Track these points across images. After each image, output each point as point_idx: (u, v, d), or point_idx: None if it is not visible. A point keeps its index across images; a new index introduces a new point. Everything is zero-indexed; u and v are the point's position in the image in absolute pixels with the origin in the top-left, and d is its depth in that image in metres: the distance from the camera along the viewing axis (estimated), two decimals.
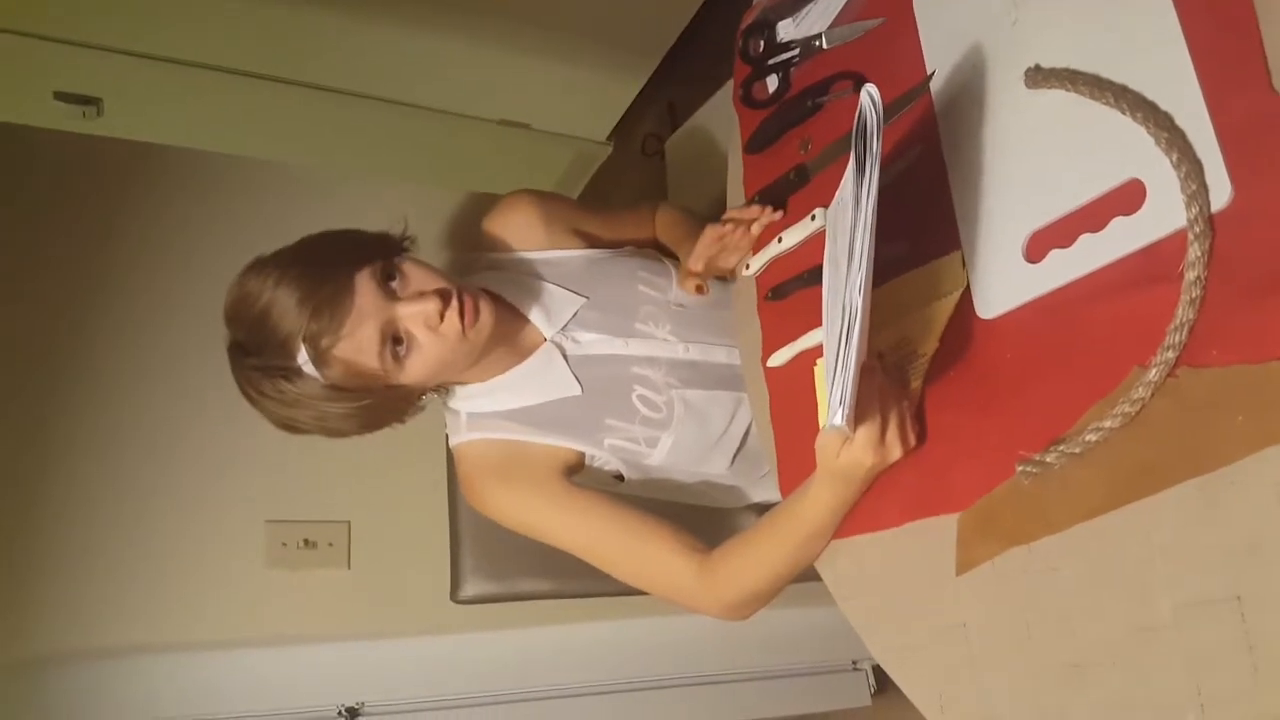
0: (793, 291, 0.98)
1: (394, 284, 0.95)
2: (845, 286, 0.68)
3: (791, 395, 0.97)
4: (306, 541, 1.63)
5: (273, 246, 0.97)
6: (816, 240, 0.96)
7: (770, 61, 1.02)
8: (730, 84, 1.11)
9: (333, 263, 0.93)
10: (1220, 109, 0.61)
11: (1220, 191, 0.60)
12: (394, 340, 0.95)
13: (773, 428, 0.99)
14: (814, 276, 0.94)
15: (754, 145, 1.05)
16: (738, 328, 1.09)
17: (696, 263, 1.07)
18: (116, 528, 1.55)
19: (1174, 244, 0.63)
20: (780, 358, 0.98)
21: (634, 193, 2.16)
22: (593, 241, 1.21)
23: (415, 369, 0.97)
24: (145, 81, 1.47)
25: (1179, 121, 0.63)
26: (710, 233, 1.05)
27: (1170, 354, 0.62)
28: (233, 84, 1.51)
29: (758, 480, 1.20)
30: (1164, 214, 0.63)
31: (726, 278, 1.11)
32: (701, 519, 1.18)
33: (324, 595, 1.65)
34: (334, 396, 0.95)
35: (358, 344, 0.92)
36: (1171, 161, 0.62)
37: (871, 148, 0.70)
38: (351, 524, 1.68)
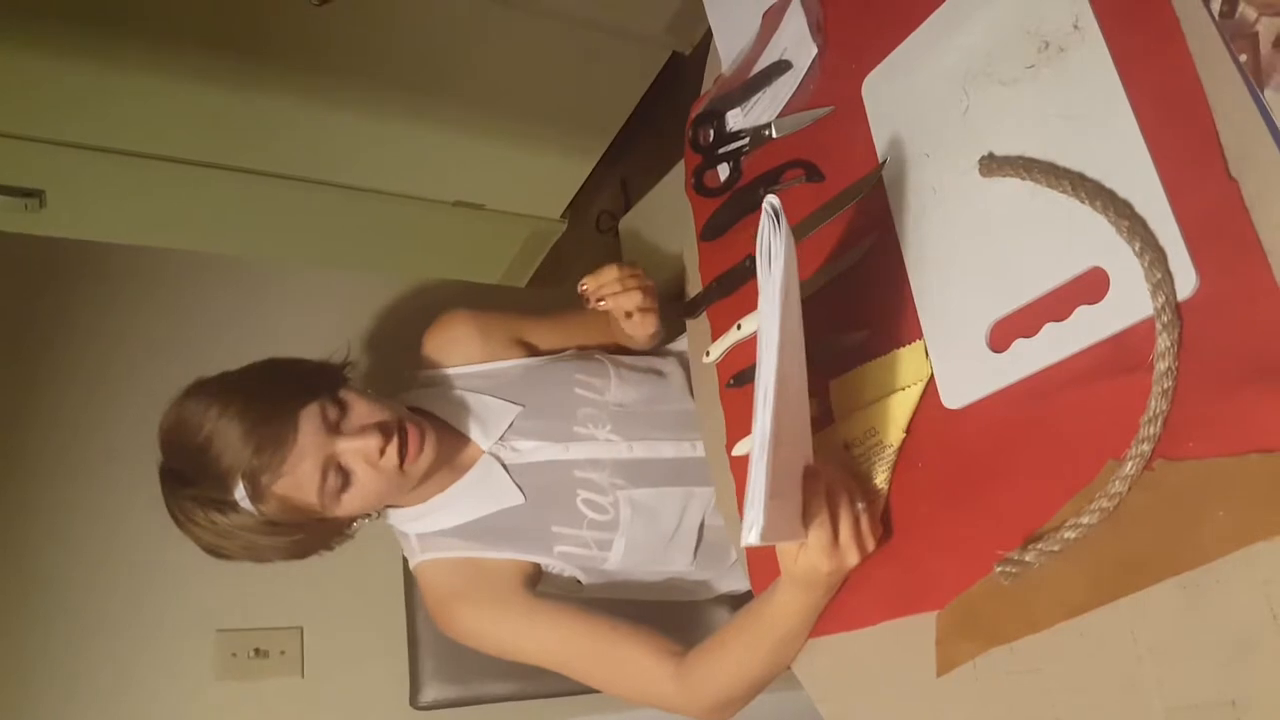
0: (753, 379, 0.96)
1: (336, 417, 0.95)
2: (755, 416, 0.66)
3: None
4: (258, 650, 1.56)
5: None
6: None
7: (721, 151, 1.02)
8: (682, 163, 1.11)
9: (276, 398, 0.94)
10: (1179, 196, 0.60)
11: (1185, 280, 0.59)
12: (334, 472, 0.95)
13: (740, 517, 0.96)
14: None
15: (708, 233, 1.04)
16: (700, 416, 1.07)
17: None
18: (56, 639, 1.47)
19: (1142, 332, 0.61)
20: (744, 446, 0.96)
21: (591, 267, 2.15)
22: (535, 350, 1.21)
23: (352, 503, 0.98)
24: (90, 173, 1.44)
25: (1138, 209, 0.62)
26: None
27: (1145, 446, 0.60)
28: (180, 173, 1.49)
29: (727, 570, 1.17)
30: (1129, 303, 0.62)
31: (643, 340, 1.15)
32: (673, 612, 1.15)
33: (278, 706, 1.57)
34: (266, 530, 0.95)
35: (297, 480, 0.93)
36: (1134, 250, 0.61)
37: (771, 269, 0.68)
38: (304, 629, 1.61)
